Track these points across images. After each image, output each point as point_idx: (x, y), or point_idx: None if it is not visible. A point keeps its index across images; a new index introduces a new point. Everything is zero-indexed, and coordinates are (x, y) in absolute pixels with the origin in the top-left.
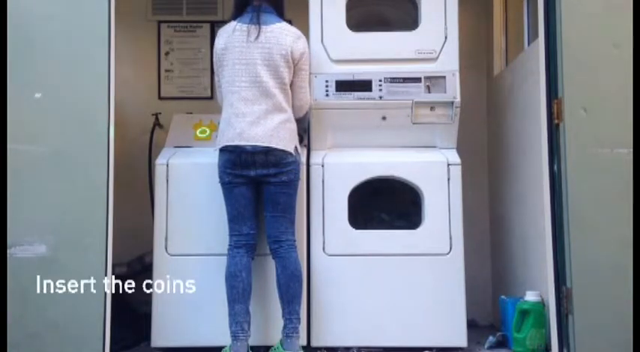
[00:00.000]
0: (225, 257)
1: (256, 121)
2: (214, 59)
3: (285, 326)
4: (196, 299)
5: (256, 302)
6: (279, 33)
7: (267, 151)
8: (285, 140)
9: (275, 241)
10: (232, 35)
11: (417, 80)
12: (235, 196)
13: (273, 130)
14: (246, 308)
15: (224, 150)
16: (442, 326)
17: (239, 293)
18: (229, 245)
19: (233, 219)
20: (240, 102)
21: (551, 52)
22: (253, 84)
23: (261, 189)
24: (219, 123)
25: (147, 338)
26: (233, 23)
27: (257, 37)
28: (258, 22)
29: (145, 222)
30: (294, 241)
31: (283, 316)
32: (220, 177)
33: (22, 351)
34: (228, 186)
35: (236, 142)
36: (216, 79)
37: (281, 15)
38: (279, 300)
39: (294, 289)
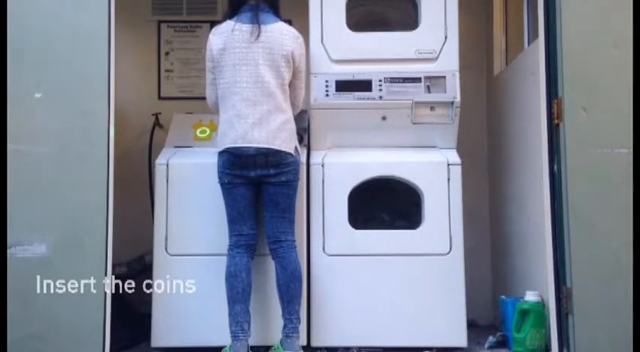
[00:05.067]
0: (225, 257)
1: (258, 123)
2: (209, 57)
3: (285, 326)
4: (196, 299)
5: (256, 302)
6: (279, 33)
7: (269, 153)
8: (286, 141)
9: (275, 241)
10: (232, 35)
11: (417, 80)
12: (235, 197)
13: (275, 132)
14: (246, 308)
15: (225, 151)
16: (442, 326)
17: (239, 294)
18: (229, 245)
19: (233, 220)
20: (242, 103)
21: (551, 52)
22: (255, 84)
23: (260, 190)
24: (219, 124)
25: (147, 338)
26: (231, 22)
27: (258, 37)
28: (258, 21)
29: (144, 222)
30: (294, 241)
31: (283, 316)
32: (220, 178)
33: (22, 351)
34: (227, 186)
35: (239, 144)
36: (209, 76)
37: (277, 14)
38: (279, 300)
39: (293, 289)
